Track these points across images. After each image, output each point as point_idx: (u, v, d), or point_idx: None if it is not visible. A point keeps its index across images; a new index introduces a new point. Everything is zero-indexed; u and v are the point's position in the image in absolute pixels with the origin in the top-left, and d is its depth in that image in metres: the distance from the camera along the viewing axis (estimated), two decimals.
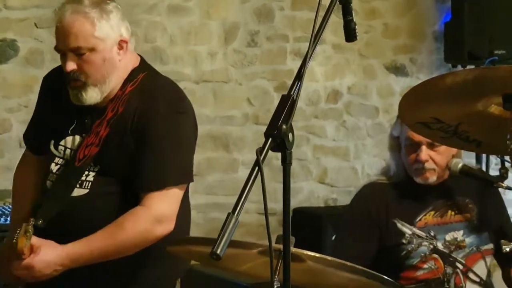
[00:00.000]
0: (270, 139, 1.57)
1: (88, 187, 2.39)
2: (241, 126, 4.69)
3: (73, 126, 2.46)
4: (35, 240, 2.26)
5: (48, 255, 2.27)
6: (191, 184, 4.40)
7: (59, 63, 4.14)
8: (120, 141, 2.37)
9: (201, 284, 4.21)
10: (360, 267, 2.08)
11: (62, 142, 2.46)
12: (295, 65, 4.58)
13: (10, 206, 3.73)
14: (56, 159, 2.46)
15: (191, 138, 2.49)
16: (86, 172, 2.39)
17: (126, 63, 2.40)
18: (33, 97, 4.12)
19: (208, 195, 4.65)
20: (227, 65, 4.68)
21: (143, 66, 2.48)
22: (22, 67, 4.14)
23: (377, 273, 2.12)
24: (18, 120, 4.11)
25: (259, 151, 1.55)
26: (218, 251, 1.52)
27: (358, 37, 1.83)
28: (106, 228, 2.31)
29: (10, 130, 4.12)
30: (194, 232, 4.50)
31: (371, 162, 4.99)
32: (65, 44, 2.35)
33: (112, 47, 2.35)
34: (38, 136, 2.55)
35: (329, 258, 2.08)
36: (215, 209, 4.52)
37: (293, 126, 1.62)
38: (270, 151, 1.59)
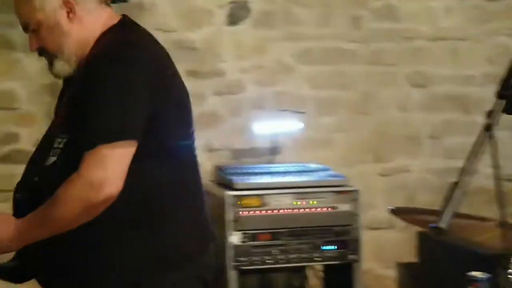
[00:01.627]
0: (503, 100, 1.39)
1: (56, 154, 2.29)
2: (481, 86, 4.39)
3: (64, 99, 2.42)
4: None
5: None
6: (427, 147, 4.37)
7: (294, 22, 4.17)
8: (74, 105, 2.25)
9: (436, 250, 4.06)
10: None
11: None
12: None
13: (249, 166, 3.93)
14: None
15: (132, 88, 2.23)
16: (59, 140, 2.29)
17: (87, 26, 2.29)
18: (266, 58, 4.24)
19: (447, 159, 4.44)
20: (465, 21, 4.39)
21: (119, 24, 2.34)
22: (254, 28, 4.16)
23: None
24: (251, 81, 4.18)
25: (489, 114, 1.39)
26: (442, 225, 1.39)
27: None
28: (50, 198, 2.18)
29: (245, 90, 4.18)
30: (432, 197, 4.41)
31: None
32: (21, 26, 2.34)
33: (55, 13, 2.26)
34: None
35: None
36: (455, 174, 4.30)
37: None
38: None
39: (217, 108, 4.14)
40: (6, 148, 3.83)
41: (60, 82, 2.44)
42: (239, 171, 3.78)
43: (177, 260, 2.30)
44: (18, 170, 3.78)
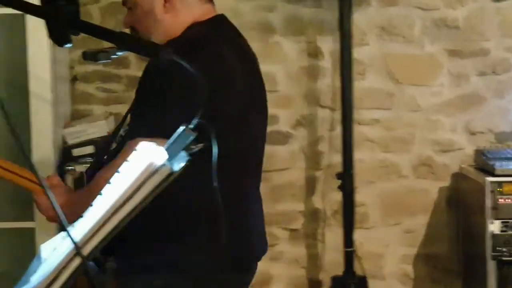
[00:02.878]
0: None
1: (118, 141, 2.40)
2: None
3: None
4: (55, 181, 2.49)
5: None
6: None
7: None
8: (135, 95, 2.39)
9: None
10: None
11: None
12: None
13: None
14: None
15: (177, 88, 2.22)
16: (125, 128, 2.39)
17: (179, 17, 2.33)
18: None
19: None
20: None
21: (205, 21, 2.33)
22: None
23: None
24: None
25: None
26: None
27: None
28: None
29: (510, 70, 3.96)
30: None
31: None
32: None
33: (153, 0, 2.31)
34: None
35: None
36: None
37: None
38: None
39: (479, 89, 3.98)
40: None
41: None
42: (502, 155, 3.60)
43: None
44: (278, 151, 3.98)
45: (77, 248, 1.75)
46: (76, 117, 4.02)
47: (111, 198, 1.77)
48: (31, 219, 3.49)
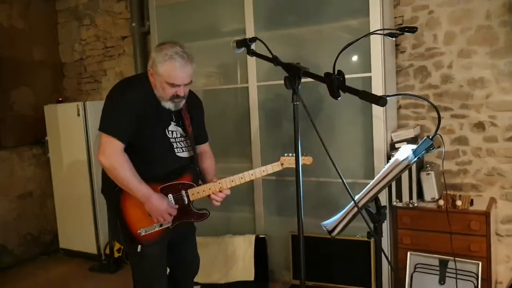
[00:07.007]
0: None
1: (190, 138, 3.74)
2: None
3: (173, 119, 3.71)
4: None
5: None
6: None
7: None
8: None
9: None
10: None
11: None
12: None
13: None
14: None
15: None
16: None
17: None
18: None
19: None
20: None
21: None
22: None
23: None
24: None
25: None
26: None
27: None
28: None
29: None
30: None
31: None
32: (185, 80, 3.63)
33: None
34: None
35: None
36: None
37: None
38: None
39: None
40: None
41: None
42: None
43: None
44: None
45: (355, 202, 2.41)
46: (400, 126, 5.07)
47: (379, 175, 2.45)
48: None
